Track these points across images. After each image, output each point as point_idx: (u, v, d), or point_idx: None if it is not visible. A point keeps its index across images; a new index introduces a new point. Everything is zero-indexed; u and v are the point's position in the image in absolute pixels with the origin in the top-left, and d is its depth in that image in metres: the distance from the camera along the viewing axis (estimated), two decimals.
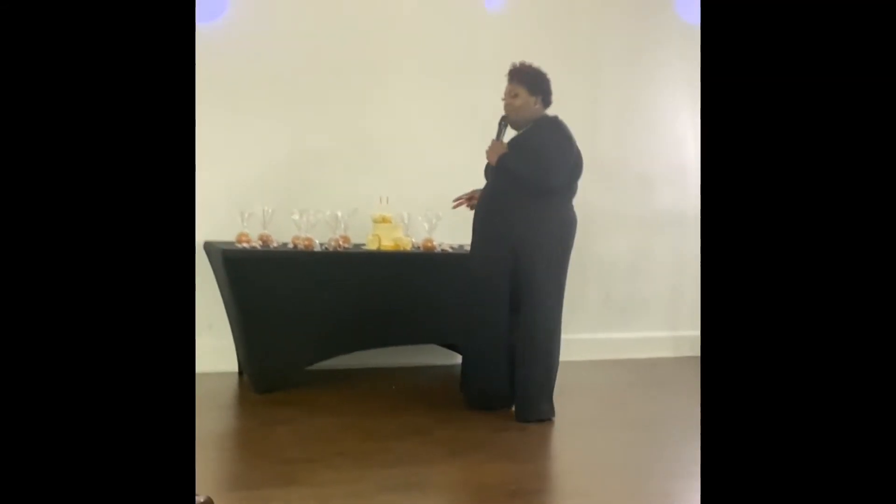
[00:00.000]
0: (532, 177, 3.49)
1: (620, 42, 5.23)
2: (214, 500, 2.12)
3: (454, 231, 4.17)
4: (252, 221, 3.98)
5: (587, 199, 3.97)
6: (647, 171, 5.35)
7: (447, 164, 4.34)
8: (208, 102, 4.11)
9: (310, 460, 2.89)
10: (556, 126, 3.62)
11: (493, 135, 3.66)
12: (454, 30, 4.74)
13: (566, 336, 3.77)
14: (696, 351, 1.55)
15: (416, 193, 4.24)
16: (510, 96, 3.62)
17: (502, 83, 3.66)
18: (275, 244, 3.96)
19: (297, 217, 3.98)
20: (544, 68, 3.70)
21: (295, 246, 3.96)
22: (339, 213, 4.10)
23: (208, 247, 4.07)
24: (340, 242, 4.07)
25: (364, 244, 4.23)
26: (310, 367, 4.03)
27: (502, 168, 3.53)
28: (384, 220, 4.19)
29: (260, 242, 3.91)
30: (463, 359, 3.80)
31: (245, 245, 3.86)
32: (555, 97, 3.73)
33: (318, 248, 3.96)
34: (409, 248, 4.19)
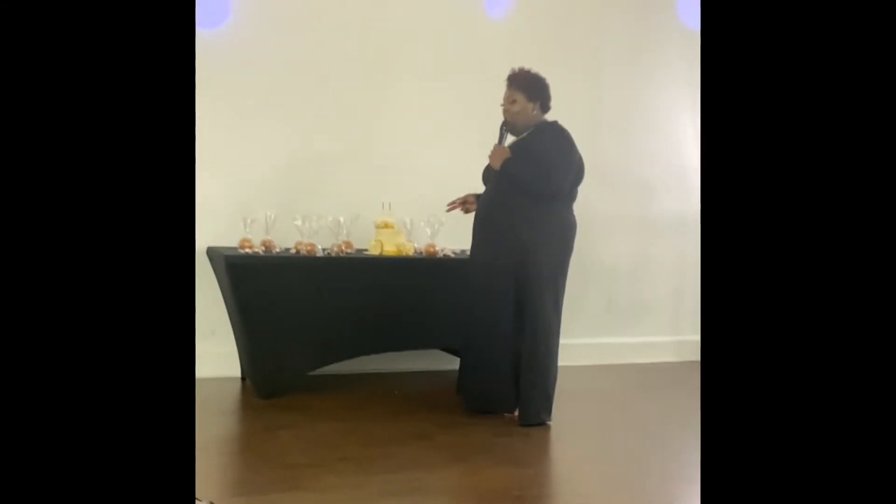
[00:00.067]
0: (536, 181, 3.50)
1: (621, 44, 5.23)
2: None
3: (456, 236, 4.17)
4: (255, 227, 3.99)
5: (588, 202, 3.98)
6: (648, 175, 5.35)
7: (449, 170, 4.34)
8: (211, 108, 4.13)
9: (312, 465, 2.90)
10: (558, 131, 3.63)
11: (494, 140, 3.67)
12: (457, 34, 4.76)
13: (568, 341, 3.78)
14: (698, 355, 1.55)
15: (419, 199, 4.24)
16: (508, 102, 3.64)
17: (504, 88, 3.68)
18: (277, 250, 3.96)
19: (299, 223, 3.99)
20: (546, 72, 3.71)
21: (297, 251, 3.97)
22: (342, 219, 4.11)
23: (211, 252, 4.08)
24: (343, 248, 4.08)
25: (366, 249, 4.23)
26: (312, 373, 4.04)
27: (505, 173, 3.54)
28: (386, 225, 4.20)
29: (263, 248, 3.92)
30: (462, 362, 3.80)
31: (248, 251, 3.87)
32: (556, 100, 3.74)
33: (320, 254, 3.97)
34: (411, 253, 4.20)
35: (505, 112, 3.66)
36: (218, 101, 4.12)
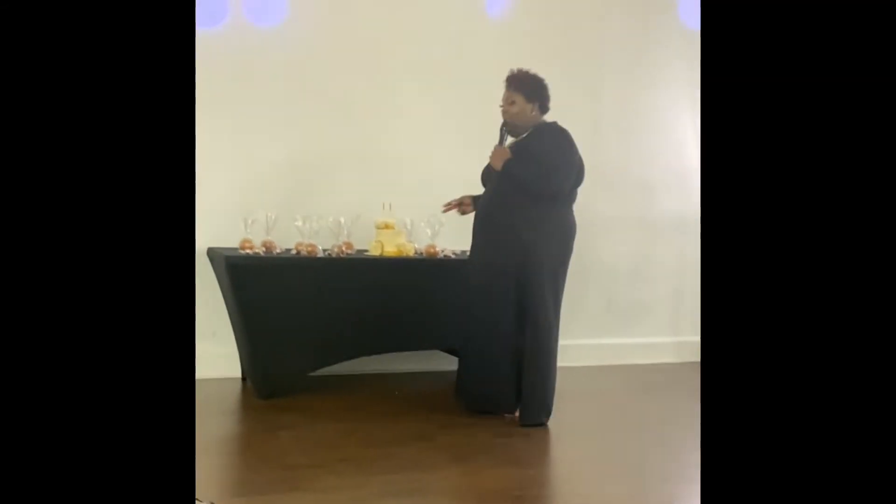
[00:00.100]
0: (537, 181, 3.51)
1: (622, 45, 5.23)
2: None
3: (457, 237, 4.18)
4: (255, 228, 3.99)
5: (588, 203, 3.98)
6: (648, 175, 5.35)
7: (450, 171, 4.34)
8: (212, 109, 4.13)
9: (312, 466, 2.90)
10: (558, 131, 3.63)
11: (494, 141, 3.68)
12: (457, 35, 4.76)
13: (568, 341, 3.78)
14: (698, 356, 1.55)
15: (419, 200, 4.25)
16: (507, 103, 3.65)
17: (503, 89, 3.69)
18: (278, 250, 3.97)
19: (300, 223, 4.00)
20: (546, 73, 3.71)
21: (298, 252, 3.97)
22: (343, 220, 4.11)
23: (211, 253, 4.08)
24: (343, 249, 4.08)
25: (367, 250, 4.24)
26: (313, 373, 4.04)
27: (507, 173, 3.54)
28: (387, 226, 4.20)
29: (263, 249, 3.92)
30: (461, 362, 3.80)
31: (248, 251, 3.87)
32: (556, 101, 3.74)
33: (321, 255, 3.97)
34: (411, 254, 4.20)
35: (504, 113, 3.66)
36: (219, 101, 4.12)
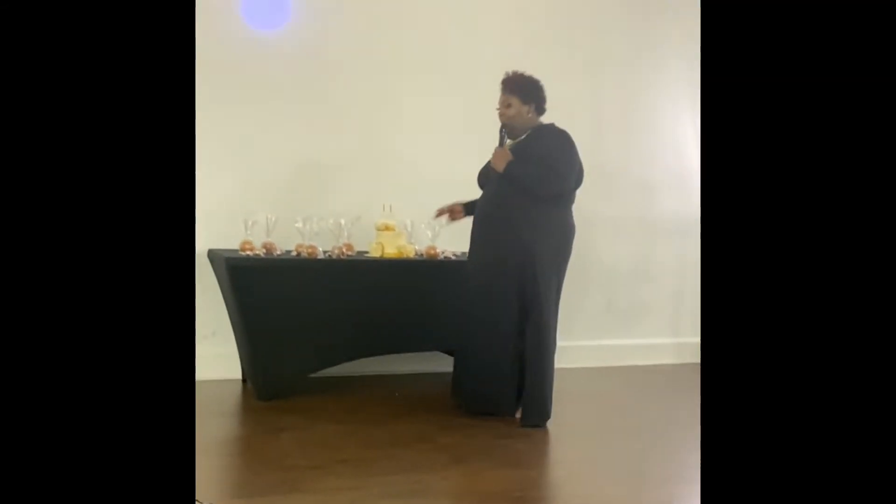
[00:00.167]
0: (540, 183, 3.52)
1: (622, 45, 5.24)
2: None
3: (457, 238, 4.18)
4: (256, 229, 3.99)
5: (589, 204, 3.98)
6: (648, 176, 5.35)
7: (450, 172, 4.35)
8: (212, 110, 4.14)
9: (313, 467, 2.90)
10: (558, 132, 3.64)
11: (493, 143, 3.69)
12: (457, 37, 4.76)
13: (568, 342, 3.78)
14: (699, 357, 1.56)
15: (420, 201, 4.25)
16: (504, 106, 3.66)
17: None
18: (278, 252, 3.97)
19: (300, 225, 4.00)
20: (547, 74, 3.72)
21: (298, 254, 3.97)
22: (343, 221, 4.12)
23: (212, 255, 4.08)
24: (344, 250, 4.08)
25: (367, 252, 4.24)
26: (313, 375, 4.04)
27: (510, 175, 3.54)
28: (387, 227, 4.20)
29: (263, 250, 3.93)
30: (460, 363, 3.79)
31: (249, 253, 3.88)
32: (557, 102, 3.75)
33: (321, 256, 3.97)
34: (412, 255, 4.21)
35: (501, 116, 3.67)
36: (220, 104, 4.12)
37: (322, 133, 4.48)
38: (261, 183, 4.33)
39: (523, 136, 3.67)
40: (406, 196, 4.38)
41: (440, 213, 3.99)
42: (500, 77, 3.70)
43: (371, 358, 4.24)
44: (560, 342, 3.72)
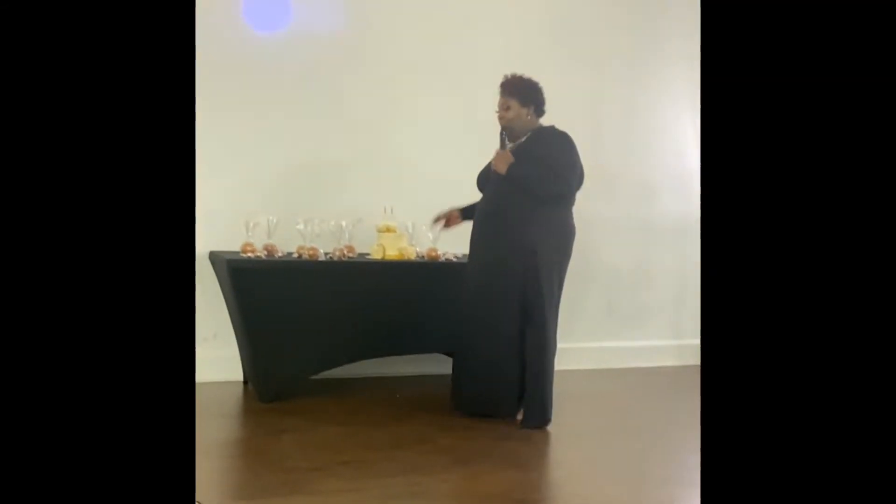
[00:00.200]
0: (543, 184, 3.53)
1: (623, 46, 5.25)
2: None
3: (458, 240, 4.18)
4: (257, 231, 3.99)
5: (590, 206, 3.98)
6: (649, 178, 5.36)
7: (451, 174, 4.35)
8: (214, 112, 4.14)
9: (314, 469, 2.90)
10: (559, 134, 3.65)
11: (491, 146, 3.69)
12: (459, 39, 4.77)
13: (569, 344, 3.78)
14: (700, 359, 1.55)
15: (421, 203, 4.25)
16: (503, 109, 3.67)
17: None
18: (279, 254, 3.97)
19: (301, 227, 4.00)
20: (548, 76, 3.73)
21: (300, 256, 3.98)
22: (344, 223, 4.12)
23: (213, 257, 4.09)
24: (345, 252, 4.09)
25: (368, 254, 4.24)
26: (314, 376, 4.04)
27: (513, 177, 3.55)
28: (388, 229, 4.20)
29: (265, 252, 3.93)
30: (460, 365, 3.79)
31: (250, 255, 3.88)
32: (557, 104, 3.75)
33: (322, 258, 3.98)
34: (413, 257, 4.21)
35: (500, 119, 3.68)
36: (221, 106, 4.13)
37: (324, 135, 4.48)
38: (262, 185, 4.34)
39: (523, 139, 3.67)
40: (407, 198, 4.38)
41: (437, 220, 4.02)
42: (501, 79, 3.71)
43: (372, 360, 4.24)
44: (560, 344, 3.72)
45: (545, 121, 3.74)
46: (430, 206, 4.10)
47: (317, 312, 3.91)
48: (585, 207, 3.80)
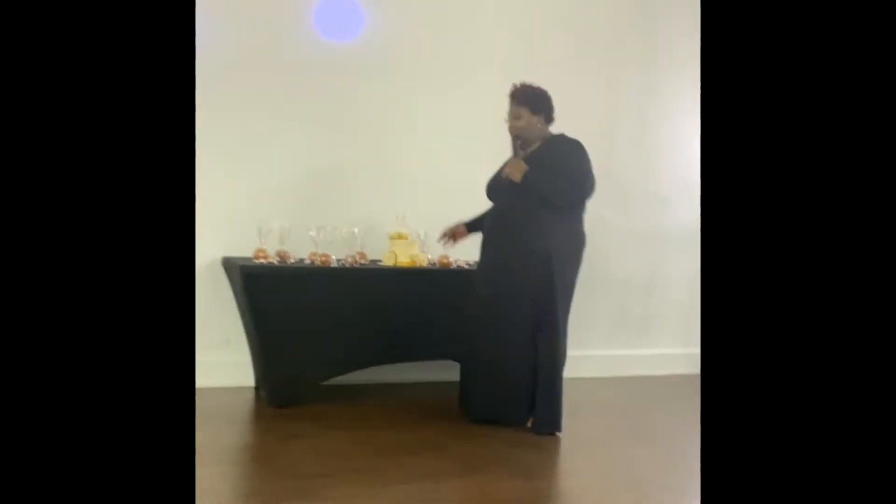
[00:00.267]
0: (558, 192, 3.54)
1: (635, 54, 5.25)
2: None
3: (470, 248, 4.19)
4: (270, 238, 4.02)
5: (601, 215, 3.98)
6: (660, 187, 5.35)
7: (463, 182, 4.36)
8: (227, 119, 4.17)
9: (325, 475, 2.91)
10: (571, 142, 3.66)
11: (503, 154, 3.71)
12: (472, 47, 4.78)
13: (580, 352, 3.78)
14: None
15: (433, 210, 4.27)
16: (514, 118, 3.68)
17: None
18: (292, 260, 3.99)
19: (314, 233, 4.02)
20: (560, 84, 3.75)
21: (312, 262, 3.99)
22: (356, 230, 4.14)
23: (226, 262, 4.11)
24: (357, 259, 4.10)
25: (381, 261, 4.26)
26: (325, 382, 4.06)
27: (528, 184, 3.56)
28: (401, 236, 4.22)
29: (277, 258, 3.95)
30: (470, 372, 3.79)
31: (262, 261, 3.90)
32: (568, 112, 3.76)
33: (334, 265, 3.99)
34: (425, 264, 4.22)
35: (511, 128, 3.70)
36: (234, 113, 4.16)
37: (337, 142, 4.51)
38: (275, 192, 4.36)
39: (535, 147, 3.68)
40: (420, 205, 4.40)
41: (444, 235, 4.05)
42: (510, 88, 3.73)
43: (383, 366, 4.26)
44: (571, 352, 3.72)
45: (557, 128, 3.75)
46: (443, 213, 4.12)
47: (328, 318, 3.93)
48: (597, 215, 3.81)
